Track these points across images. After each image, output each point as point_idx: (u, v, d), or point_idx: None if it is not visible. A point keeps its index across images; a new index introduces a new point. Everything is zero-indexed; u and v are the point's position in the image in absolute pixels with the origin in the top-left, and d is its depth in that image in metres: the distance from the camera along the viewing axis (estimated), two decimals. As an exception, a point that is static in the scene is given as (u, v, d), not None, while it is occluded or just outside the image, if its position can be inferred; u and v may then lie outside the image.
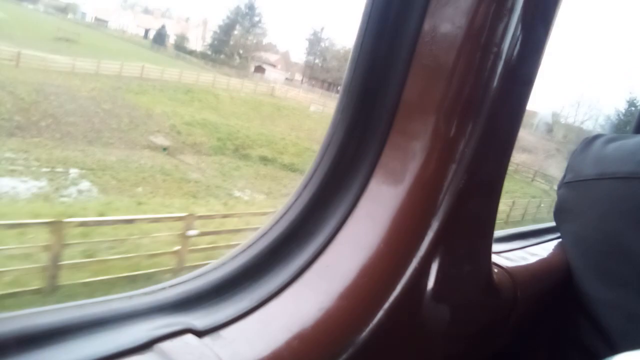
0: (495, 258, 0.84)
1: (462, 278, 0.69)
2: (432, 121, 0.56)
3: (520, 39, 0.58)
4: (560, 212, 1.02)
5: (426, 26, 0.56)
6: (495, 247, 0.92)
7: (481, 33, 0.54)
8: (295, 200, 0.59)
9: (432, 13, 0.56)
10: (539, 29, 0.63)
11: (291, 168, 19.14)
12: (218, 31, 40.29)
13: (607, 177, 0.88)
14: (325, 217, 0.58)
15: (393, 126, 0.58)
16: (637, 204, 0.82)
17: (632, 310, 0.80)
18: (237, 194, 14.56)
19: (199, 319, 0.49)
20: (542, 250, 1.03)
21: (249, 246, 0.57)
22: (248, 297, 0.54)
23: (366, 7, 0.57)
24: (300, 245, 0.57)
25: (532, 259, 0.96)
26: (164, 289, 0.52)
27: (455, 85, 0.55)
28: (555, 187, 1.07)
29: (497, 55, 0.56)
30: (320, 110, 28.52)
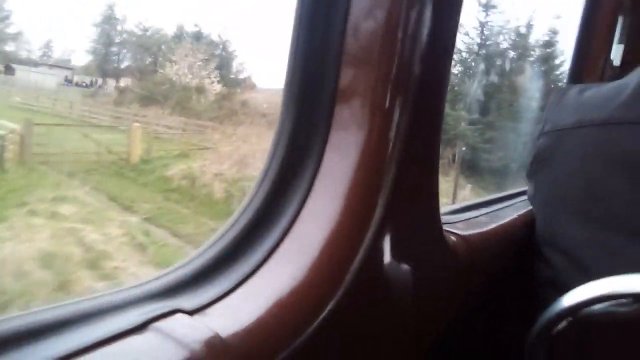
0: (448, 227, 0.91)
1: (415, 240, 0.77)
2: (369, 99, 0.64)
3: (432, 24, 0.67)
4: (537, 161, 1.05)
5: (350, 23, 0.64)
6: (448, 218, 1.00)
7: (398, 23, 0.63)
8: (258, 188, 0.66)
9: (354, 12, 0.64)
10: (449, 13, 0.72)
11: None
12: None
13: (585, 124, 0.91)
14: (287, 200, 0.65)
15: (335, 110, 0.65)
16: (614, 149, 0.86)
17: (613, 247, 0.85)
18: None
19: (186, 301, 0.54)
20: (495, 217, 1.10)
21: (222, 236, 0.64)
22: (228, 278, 0.59)
23: (296, 15, 0.65)
24: (268, 227, 0.64)
25: (486, 223, 1.04)
26: (149, 281, 0.57)
27: (383, 69, 0.64)
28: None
29: (414, 40, 0.65)
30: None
